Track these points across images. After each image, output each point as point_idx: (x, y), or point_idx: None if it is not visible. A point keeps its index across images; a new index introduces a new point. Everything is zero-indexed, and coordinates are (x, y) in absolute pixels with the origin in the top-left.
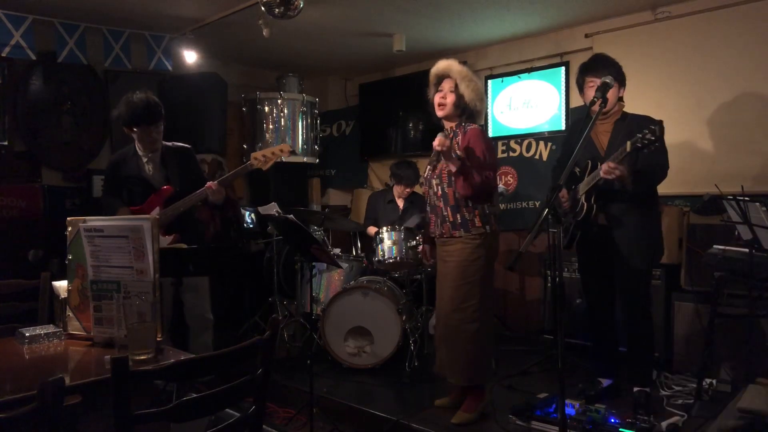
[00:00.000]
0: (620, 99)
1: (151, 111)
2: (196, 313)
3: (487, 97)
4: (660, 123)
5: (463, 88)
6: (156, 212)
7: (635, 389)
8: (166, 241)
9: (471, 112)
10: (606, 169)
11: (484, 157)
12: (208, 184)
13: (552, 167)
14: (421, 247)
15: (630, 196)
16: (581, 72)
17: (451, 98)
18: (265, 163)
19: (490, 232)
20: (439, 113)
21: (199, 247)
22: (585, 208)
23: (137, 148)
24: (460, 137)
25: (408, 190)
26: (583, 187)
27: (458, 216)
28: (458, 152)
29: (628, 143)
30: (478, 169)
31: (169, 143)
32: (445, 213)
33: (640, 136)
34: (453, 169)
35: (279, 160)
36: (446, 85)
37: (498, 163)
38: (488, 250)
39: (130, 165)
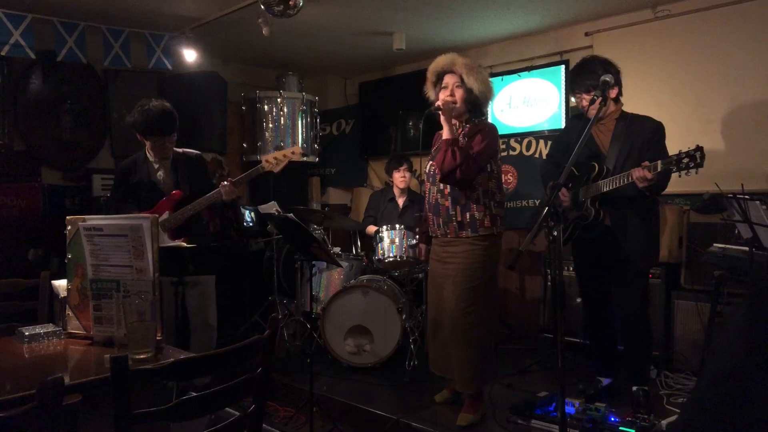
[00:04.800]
0: (617, 99)
1: (166, 122)
2: (198, 316)
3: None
4: (701, 149)
5: (471, 81)
6: (165, 216)
7: (634, 388)
8: (174, 244)
9: (480, 103)
10: (640, 176)
11: (483, 149)
12: (224, 182)
13: (541, 165)
14: (419, 246)
15: (635, 199)
16: (570, 87)
17: (459, 93)
18: (276, 166)
19: (497, 233)
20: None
21: (199, 246)
22: (593, 213)
23: (148, 155)
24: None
25: (407, 173)
26: (590, 191)
27: (467, 215)
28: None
29: (659, 163)
30: (464, 151)
31: (180, 150)
32: (452, 212)
33: (676, 159)
34: (446, 135)
35: (289, 162)
36: (450, 80)
37: (489, 164)
38: (494, 252)
39: (141, 171)
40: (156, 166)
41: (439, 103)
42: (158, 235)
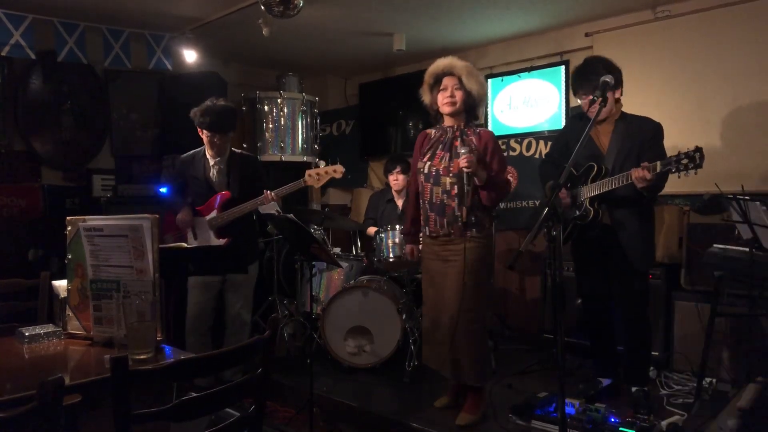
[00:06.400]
0: (617, 100)
1: (220, 120)
2: (233, 312)
3: (486, 96)
4: (700, 150)
5: (471, 84)
6: (213, 215)
7: (634, 389)
8: (219, 243)
9: (476, 106)
10: (639, 176)
11: (501, 163)
12: (266, 193)
13: (540, 164)
14: (408, 247)
15: (634, 199)
16: (573, 87)
17: (460, 95)
18: (318, 181)
19: (491, 233)
20: (449, 110)
21: (198, 246)
22: (592, 213)
23: (207, 151)
24: (473, 137)
25: (400, 176)
26: (589, 191)
27: (472, 217)
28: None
29: (658, 164)
30: (498, 175)
31: (238, 151)
32: (458, 213)
33: (675, 159)
34: (479, 182)
35: (331, 179)
36: (449, 82)
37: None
38: (491, 249)
39: (198, 166)
40: (212, 162)
41: (465, 167)
42: (158, 235)
